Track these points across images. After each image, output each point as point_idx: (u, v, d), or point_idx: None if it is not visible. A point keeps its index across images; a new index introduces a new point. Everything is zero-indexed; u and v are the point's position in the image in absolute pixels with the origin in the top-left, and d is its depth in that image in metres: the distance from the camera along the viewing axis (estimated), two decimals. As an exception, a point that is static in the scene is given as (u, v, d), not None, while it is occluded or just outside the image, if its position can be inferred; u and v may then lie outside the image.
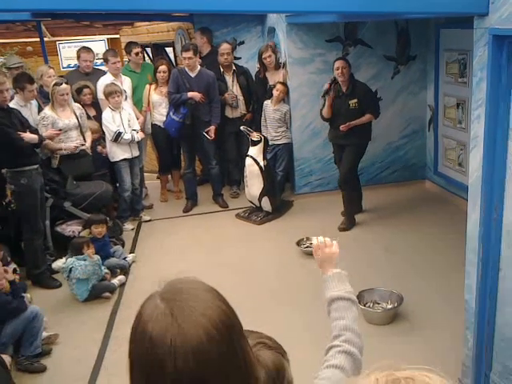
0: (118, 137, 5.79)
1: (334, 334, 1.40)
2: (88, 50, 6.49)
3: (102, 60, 6.93)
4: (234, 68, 6.52)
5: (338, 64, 5.32)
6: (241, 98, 6.55)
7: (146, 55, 8.17)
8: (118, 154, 5.90)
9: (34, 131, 4.80)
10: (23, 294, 4.01)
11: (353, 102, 5.34)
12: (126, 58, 7.49)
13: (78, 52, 6.45)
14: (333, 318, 1.46)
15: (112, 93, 5.75)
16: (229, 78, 6.50)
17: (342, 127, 5.33)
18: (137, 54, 6.69)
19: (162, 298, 0.97)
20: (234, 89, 6.51)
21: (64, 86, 5.28)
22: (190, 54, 5.92)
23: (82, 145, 5.42)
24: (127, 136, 5.83)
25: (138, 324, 0.97)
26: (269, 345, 1.29)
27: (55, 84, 5.29)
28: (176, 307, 0.94)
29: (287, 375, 1.28)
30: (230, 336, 0.96)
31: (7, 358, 3.35)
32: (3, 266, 4.10)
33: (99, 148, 5.88)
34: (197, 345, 0.91)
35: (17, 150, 4.54)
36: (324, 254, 1.60)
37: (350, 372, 1.27)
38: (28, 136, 4.61)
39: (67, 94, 5.31)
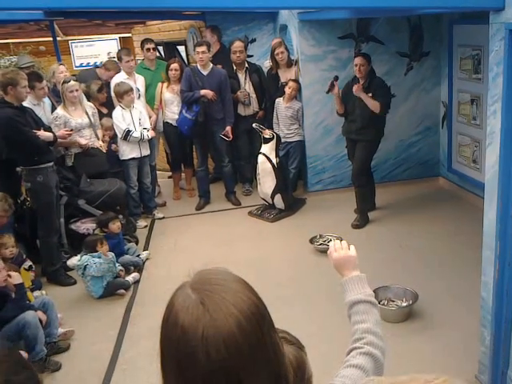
0: (127, 135, 5.81)
1: (356, 337, 1.35)
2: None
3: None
4: (246, 66, 6.51)
5: (356, 61, 5.30)
6: (253, 95, 6.53)
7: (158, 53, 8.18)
8: (126, 152, 5.92)
9: (48, 129, 4.84)
10: (30, 303, 3.80)
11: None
12: (138, 57, 7.52)
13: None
14: (354, 321, 1.41)
15: (127, 91, 5.77)
16: (241, 76, 6.49)
17: (354, 88, 5.23)
18: (148, 50, 6.70)
19: (192, 288, 0.97)
20: (247, 86, 6.50)
21: (72, 82, 5.29)
22: (203, 48, 5.96)
23: (93, 145, 5.42)
24: (136, 134, 5.84)
25: (170, 314, 0.97)
26: (288, 339, 1.30)
27: (64, 82, 5.32)
28: (207, 297, 0.94)
29: (307, 369, 1.28)
30: (261, 327, 0.96)
31: (24, 355, 3.37)
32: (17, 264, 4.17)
33: (113, 146, 5.89)
34: (228, 335, 0.92)
35: (33, 148, 4.57)
36: (340, 257, 1.53)
37: (370, 373, 1.26)
38: (43, 134, 4.64)
39: (77, 91, 5.31)
